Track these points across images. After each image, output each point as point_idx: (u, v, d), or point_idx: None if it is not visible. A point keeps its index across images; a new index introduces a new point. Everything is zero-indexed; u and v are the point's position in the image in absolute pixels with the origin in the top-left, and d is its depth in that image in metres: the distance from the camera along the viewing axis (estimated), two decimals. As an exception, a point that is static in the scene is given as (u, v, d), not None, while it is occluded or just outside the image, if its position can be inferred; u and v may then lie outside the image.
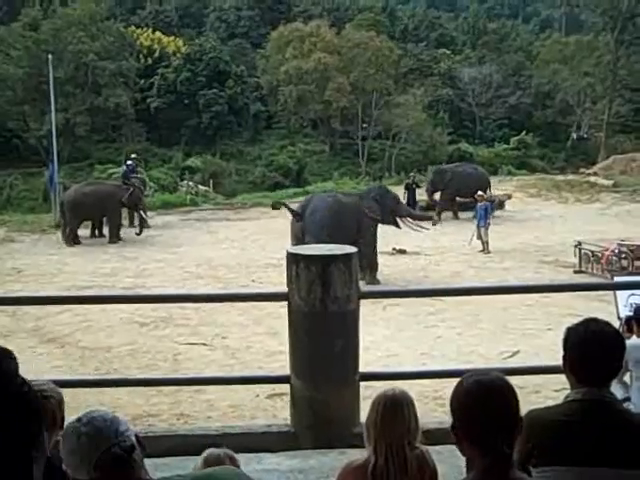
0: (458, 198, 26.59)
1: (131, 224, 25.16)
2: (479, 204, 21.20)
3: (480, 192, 22.25)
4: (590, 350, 2.69)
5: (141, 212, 24.21)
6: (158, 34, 55.41)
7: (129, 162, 27.24)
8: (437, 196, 27.19)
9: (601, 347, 2.68)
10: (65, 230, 23.19)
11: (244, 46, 59.80)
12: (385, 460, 3.00)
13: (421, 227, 18.10)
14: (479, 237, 20.17)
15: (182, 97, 50.30)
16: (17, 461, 1.17)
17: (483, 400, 2.12)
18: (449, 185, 26.24)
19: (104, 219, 24.10)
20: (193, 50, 52.25)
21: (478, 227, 20.41)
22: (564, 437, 2.62)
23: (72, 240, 22.66)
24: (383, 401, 3.11)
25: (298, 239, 15.29)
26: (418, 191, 27.29)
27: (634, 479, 2.59)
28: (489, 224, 20.40)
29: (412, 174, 30.61)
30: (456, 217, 26.42)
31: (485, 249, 19.91)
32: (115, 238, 23.11)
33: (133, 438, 2.02)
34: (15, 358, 1.24)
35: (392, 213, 17.19)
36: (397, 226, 17.54)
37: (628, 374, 5.30)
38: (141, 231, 23.66)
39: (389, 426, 3.02)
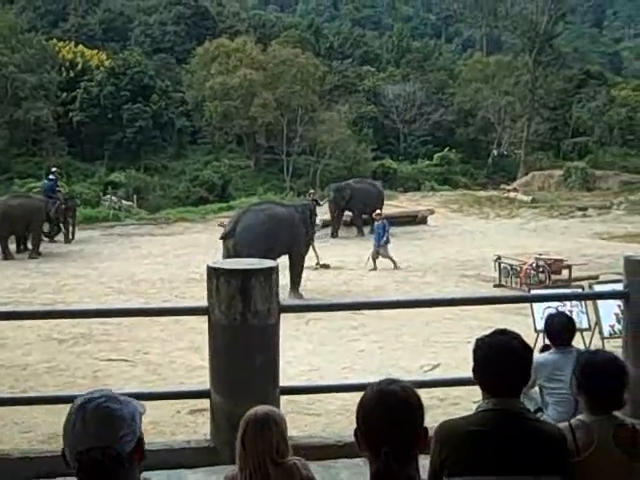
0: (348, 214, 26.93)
1: (52, 239, 24.79)
2: (376, 223, 21.01)
3: (378, 210, 22.11)
4: (497, 361, 2.76)
5: (68, 224, 24.52)
6: (81, 47, 54.72)
7: (51, 176, 26.86)
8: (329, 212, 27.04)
9: (508, 358, 2.75)
10: None
11: (169, 61, 59.46)
12: (249, 477, 3.14)
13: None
14: (374, 256, 19.84)
15: (106, 111, 49.70)
16: None
17: (380, 408, 2.15)
18: (350, 202, 26.28)
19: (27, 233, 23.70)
20: (117, 64, 51.71)
21: (375, 246, 20.13)
22: (476, 447, 2.67)
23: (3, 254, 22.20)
24: (247, 420, 3.23)
25: (230, 257, 15.03)
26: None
27: (542, 485, 2.66)
28: (388, 242, 20.19)
29: (312, 191, 30.87)
30: (361, 233, 26.33)
31: (374, 267, 19.63)
32: (35, 253, 22.67)
33: (132, 444, 1.96)
34: None
35: (312, 236, 17.31)
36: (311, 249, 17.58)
37: (537, 389, 5.40)
38: (72, 239, 24.01)
39: (252, 444, 3.15)
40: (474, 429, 2.71)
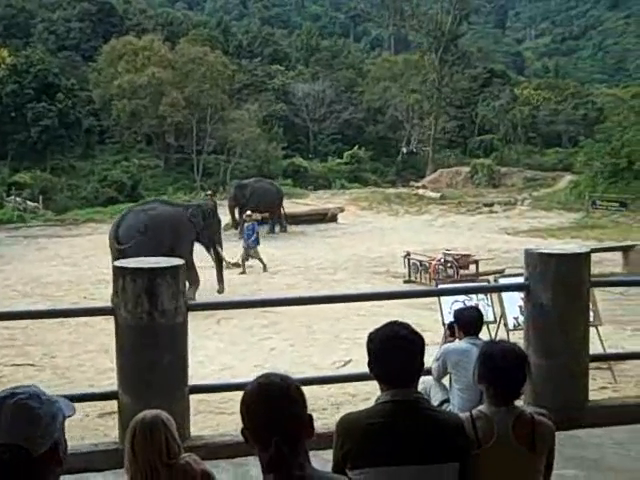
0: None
1: None
2: (246, 224, 20.58)
3: (249, 212, 21.60)
4: (389, 352, 2.79)
5: None
6: (-19, 44, 53.10)
7: None
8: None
9: (398, 348, 2.77)
10: None
11: (74, 59, 58.29)
12: None
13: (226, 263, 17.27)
14: (244, 258, 19.32)
15: (8, 110, 48.36)
16: None
17: (262, 399, 2.17)
18: (250, 200, 26.20)
19: None
20: (19, 62, 50.35)
21: (244, 247, 19.55)
22: (375, 439, 2.71)
23: None
24: (134, 426, 3.20)
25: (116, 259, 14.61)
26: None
27: (440, 472, 2.72)
28: (258, 243, 19.68)
29: (209, 192, 30.65)
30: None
31: (243, 270, 19.00)
32: None
33: (45, 446, 1.87)
34: None
35: (210, 237, 16.48)
36: (208, 250, 16.69)
37: (447, 377, 5.53)
38: None
39: (142, 450, 3.12)
40: (373, 421, 2.74)
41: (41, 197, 36.92)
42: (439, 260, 17.41)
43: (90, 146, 52.16)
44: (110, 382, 7.62)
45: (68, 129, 49.87)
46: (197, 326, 8.65)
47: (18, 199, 34.18)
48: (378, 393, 2.90)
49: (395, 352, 2.77)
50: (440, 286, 10.61)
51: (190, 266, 15.47)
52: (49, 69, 50.55)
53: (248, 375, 9.43)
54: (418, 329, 2.90)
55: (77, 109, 50.81)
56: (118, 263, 5.39)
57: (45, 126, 48.04)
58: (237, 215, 26.03)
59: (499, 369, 3.03)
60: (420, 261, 17.75)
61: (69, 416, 2.00)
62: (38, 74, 49.38)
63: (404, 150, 56.32)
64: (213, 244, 16.55)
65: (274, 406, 2.15)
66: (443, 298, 9.41)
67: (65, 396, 6.24)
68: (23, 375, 10.04)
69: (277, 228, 26.59)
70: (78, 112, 50.82)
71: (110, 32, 57.47)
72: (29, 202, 34.67)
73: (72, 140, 50.79)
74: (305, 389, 2.27)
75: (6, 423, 1.87)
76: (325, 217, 28.73)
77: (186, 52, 50.70)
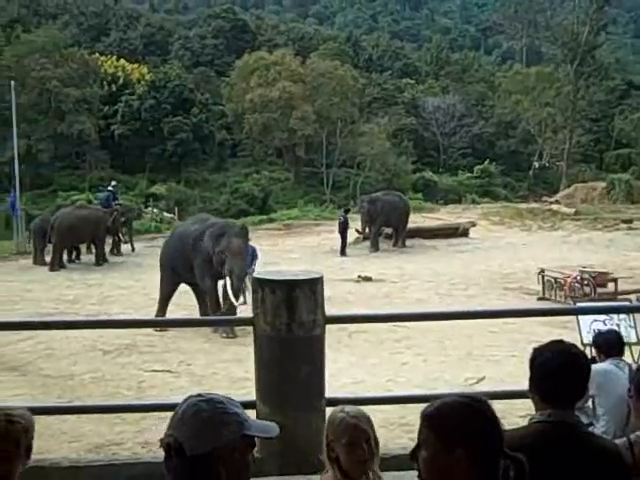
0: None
1: (118, 252, 25.08)
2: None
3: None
4: (556, 370, 2.70)
5: (121, 236, 25.02)
6: (122, 61, 55.42)
7: (110, 188, 27.42)
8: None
9: (567, 367, 2.69)
10: (36, 254, 23.34)
11: (209, 74, 60.00)
12: None
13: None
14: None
15: (146, 124, 50.25)
16: None
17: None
18: (381, 214, 25.99)
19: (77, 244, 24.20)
20: (157, 78, 52.30)
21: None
22: (530, 459, 2.62)
23: (58, 264, 22.47)
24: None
25: None
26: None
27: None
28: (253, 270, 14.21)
29: (347, 207, 30.08)
30: (376, 248, 25.79)
31: (244, 300, 13.63)
32: (102, 261, 23.34)
33: (203, 448, 1.95)
34: None
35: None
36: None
37: (590, 400, 5.32)
38: (133, 249, 24.91)
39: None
40: (528, 442, 2.64)
41: (176, 208, 38.09)
42: (575, 277, 16.87)
43: (223, 159, 53.50)
44: (244, 392, 7.73)
45: (202, 142, 51.35)
46: (328, 338, 8.67)
47: (155, 210, 35.35)
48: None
49: (567, 369, 2.69)
50: (579, 304, 10.30)
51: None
52: (185, 84, 52.24)
53: (380, 389, 9.42)
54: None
55: (210, 123, 52.26)
56: (257, 274, 5.45)
57: (180, 139, 49.62)
58: (367, 229, 26.01)
59: None
60: (555, 278, 17.24)
61: (268, 438, 2.06)
62: (175, 89, 51.10)
63: (536, 165, 55.10)
64: None
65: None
66: (581, 317, 9.12)
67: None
68: (161, 381, 10.33)
69: (400, 242, 26.34)
70: (211, 126, 52.25)
71: (243, 48, 58.88)
72: (165, 213, 35.80)
73: (205, 153, 52.24)
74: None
75: (179, 419, 1.98)
76: (456, 232, 28.34)
77: (316, 66, 51.31)
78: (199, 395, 2.04)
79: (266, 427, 2.09)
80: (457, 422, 2.08)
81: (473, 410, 2.12)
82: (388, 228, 26.74)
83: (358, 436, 3.02)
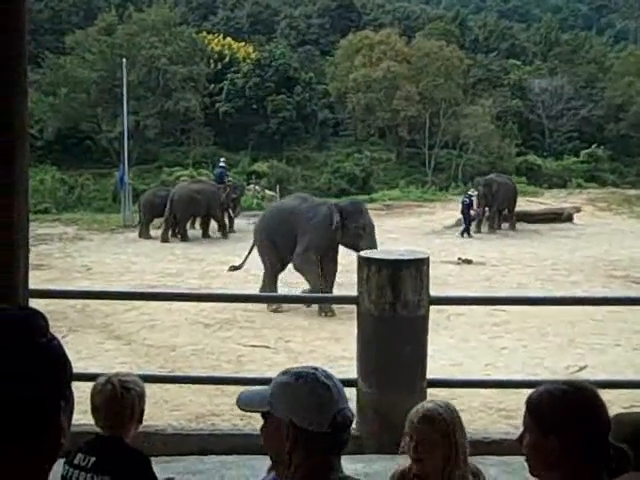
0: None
1: (230, 228, 25.43)
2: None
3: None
4: None
5: (231, 212, 25.37)
6: (229, 40, 56.06)
7: (221, 164, 27.94)
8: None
9: None
10: (142, 228, 24.35)
11: (313, 53, 60.13)
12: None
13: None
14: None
15: (250, 102, 50.78)
16: (45, 409, 1.17)
17: None
18: (495, 197, 25.76)
19: (196, 219, 25.13)
20: (263, 56, 52.70)
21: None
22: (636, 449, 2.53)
23: (183, 236, 23.55)
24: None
25: None
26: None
27: None
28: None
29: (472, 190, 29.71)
30: (498, 228, 25.89)
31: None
32: (226, 232, 24.45)
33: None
34: (46, 320, 1.23)
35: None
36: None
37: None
38: (230, 230, 24.93)
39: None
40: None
41: (278, 186, 38.41)
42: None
43: (324, 138, 53.62)
44: (342, 370, 7.75)
45: (304, 121, 51.58)
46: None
47: (257, 187, 35.76)
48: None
49: None
50: (690, 295, 9.93)
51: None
52: (289, 63, 52.49)
53: (479, 374, 9.32)
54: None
55: (313, 102, 52.41)
56: (364, 253, 5.45)
57: (283, 118, 49.95)
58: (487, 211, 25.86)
59: None
60: (664, 267, 16.70)
61: None
62: (279, 68, 51.41)
63: (647, 150, 53.24)
64: None
65: None
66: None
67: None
68: (260, 356, 10.48)
69: (510, 225, 26.05)
70: (314, 105, 52.41)
71: (348, 27, 58.72)
72: (267, 191, 36.17)
73: (307, 132, 52.47)
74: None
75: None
76: (560, 217, 27.73)
77: (422, 46, 50.76)
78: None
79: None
80: (553, 409, 2.05)
81: (572, 398, 2.08)
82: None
83: (422, 437, 2.87)
